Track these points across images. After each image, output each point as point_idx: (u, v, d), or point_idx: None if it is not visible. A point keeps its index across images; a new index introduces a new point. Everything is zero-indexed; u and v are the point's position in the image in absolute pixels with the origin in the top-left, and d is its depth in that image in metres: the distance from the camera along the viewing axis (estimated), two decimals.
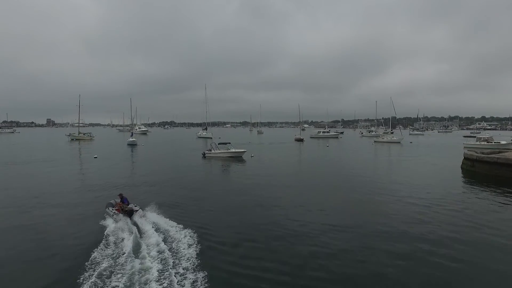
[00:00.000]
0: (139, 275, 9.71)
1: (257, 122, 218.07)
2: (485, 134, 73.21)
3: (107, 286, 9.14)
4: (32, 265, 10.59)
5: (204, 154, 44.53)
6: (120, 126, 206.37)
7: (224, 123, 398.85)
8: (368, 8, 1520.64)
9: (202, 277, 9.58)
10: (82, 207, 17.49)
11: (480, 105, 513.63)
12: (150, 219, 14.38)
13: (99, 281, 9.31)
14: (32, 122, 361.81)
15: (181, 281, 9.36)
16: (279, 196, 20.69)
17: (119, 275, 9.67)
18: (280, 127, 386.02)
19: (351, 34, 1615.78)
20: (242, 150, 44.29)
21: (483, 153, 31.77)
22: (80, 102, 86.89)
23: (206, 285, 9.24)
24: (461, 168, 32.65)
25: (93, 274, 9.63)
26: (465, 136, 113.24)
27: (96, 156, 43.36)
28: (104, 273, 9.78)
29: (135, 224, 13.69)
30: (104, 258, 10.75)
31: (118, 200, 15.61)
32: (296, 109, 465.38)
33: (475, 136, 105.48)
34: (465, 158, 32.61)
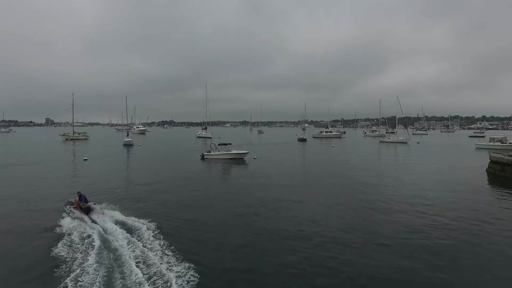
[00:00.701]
0: (94, 270, 9.78)
1: (257, 122, 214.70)
2: (498, 135, 69.74)
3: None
4: None
5: (202, 155, 41.05)
6: (119, 125, 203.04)
7: (224, 123, 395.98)
8: (369, 6, 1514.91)
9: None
10: (42, 208, 17.02)
11: (480, 104, 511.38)
12: (108, 215, 14.50)
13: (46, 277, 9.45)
14: (31, 121, 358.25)
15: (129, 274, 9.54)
16: (288, 207, 17.25)
17: (69, 271, 9.78)
18: (280, 126, 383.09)
19: (351, 32, 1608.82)
20: (244, 152, 40.79)
21: None
22: (73, 100, 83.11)
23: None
24: (487, 172, 29.25)
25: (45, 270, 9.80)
26: (470, 136, 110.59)
27: (86, 158, 39.75)
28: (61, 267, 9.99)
29: (93, 221, 14.05)
30: (58, 253, 11.04)
31: (77, 198, 15.62)
32: (295, 108, 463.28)
33: (479, 136, 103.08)
34: (492, 161, 29.16)
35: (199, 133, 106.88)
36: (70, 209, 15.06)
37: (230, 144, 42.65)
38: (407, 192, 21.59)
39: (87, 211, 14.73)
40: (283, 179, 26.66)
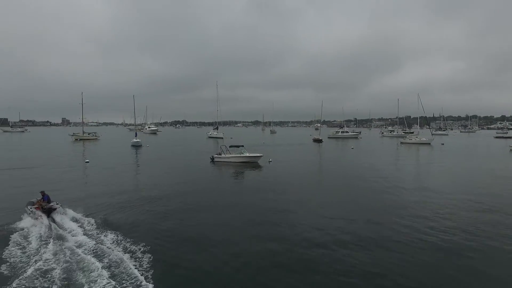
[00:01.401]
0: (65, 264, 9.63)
1: (269, 122, 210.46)
2: None
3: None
4: None
5: (212, 158, 37.21)
6: (131, 125, 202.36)
7: (236, 123, 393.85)
8: (380, 4, 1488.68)
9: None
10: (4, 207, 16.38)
11: (497, 103, 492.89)
12: (69, 215, 14.22)
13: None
14: (48, 121, 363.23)
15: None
16: (312, 224, 13.11)
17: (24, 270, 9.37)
18: (292, 126, 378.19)
19: (363, 31, 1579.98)
20: (258, 155, 36.69)
21: None
22: (83, 100, 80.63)
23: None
24: None
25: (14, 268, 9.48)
26: (497, 137, 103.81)
27: (88, 160, 36.36)
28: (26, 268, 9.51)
29: (53, 221, 13.45)
30: (9, 254, 10.56)
31: (40, 198, 14.99)
32: (307, 107, 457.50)
33: (506, 137, 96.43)
34: None
35: (210, 133, 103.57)
36: (31, 209, 14.33)
37: (243, 146, 38.64)
38: (464, 206, 17.10)
39: (49, 211, 14.17)
40: (303, 187, 22.57)
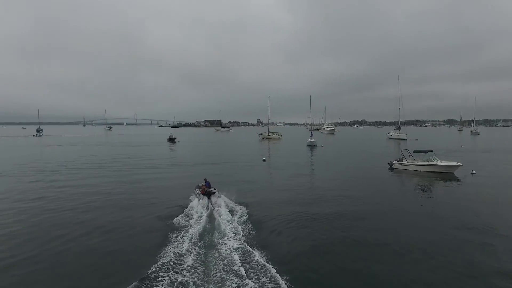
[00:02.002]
0: (210, 235, 12.72)
1: (470, 120, 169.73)
2: None
3: (183, 242, 11.93)
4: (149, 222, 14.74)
5: (391, 164, 31.70)
6: (312, 125, 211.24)
7: (423, 122, 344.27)
8: None
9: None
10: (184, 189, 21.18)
11: None
12: (222, 199, 17.66)
13: (180, 239, 12.29)
14: (247, 122, 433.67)
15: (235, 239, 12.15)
16: None
17: (195, 234, 12.55)
18: (503, 126, 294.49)
19: None
20: (454, 164, 28.31)
21: None
22: (269, 103, 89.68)
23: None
24: None
25: (178, 234, 12.78)
26: None
27: (264, 159, 38.87)
28: (183, 234, 12.81)
29: (211, 202, 17.21)
30: (184, 224, 14.22)
31: (203, 183, 19.18)
32: None
33: None
34: None
35: (391, 133, 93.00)
36: (197, 192, 18.77)
37: (432, 151, 30.92)
38: None
39: (208, 194, 18.00)
40: None
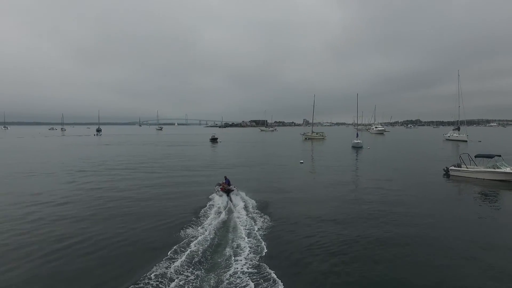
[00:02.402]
0: (227, 229, 13.71)
1: None
2: None
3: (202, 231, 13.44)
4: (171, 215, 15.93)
5: (447, 170, 27.52)
6: (359, 125, 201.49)
7: (487, 121, 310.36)
8: None
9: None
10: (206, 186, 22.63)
11: None
12: (240, 196, 18.80)
13: (200, 229, 13.72)
14: (293, 122, 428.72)
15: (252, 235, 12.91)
16: None
17: (212, 228, 13.68)
18: None
19: None
20: None
21: None
22: (314, 102, 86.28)
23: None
24: None
25: (199, 224, 14.29)
26: None
27: (302, 161, 36.43)
28: (205, 225, 14.12)
29: (230, 199, 18.27)
30: (203, 212, 16.16)
31: (223, 181, 20.34)
32: None
33: None
34: None
35: (448, 134, 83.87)
36: (217, 188, 19.71)
37: (499, 156, 26.18)
38: None
39: (228, 191, 18.90)
40: None
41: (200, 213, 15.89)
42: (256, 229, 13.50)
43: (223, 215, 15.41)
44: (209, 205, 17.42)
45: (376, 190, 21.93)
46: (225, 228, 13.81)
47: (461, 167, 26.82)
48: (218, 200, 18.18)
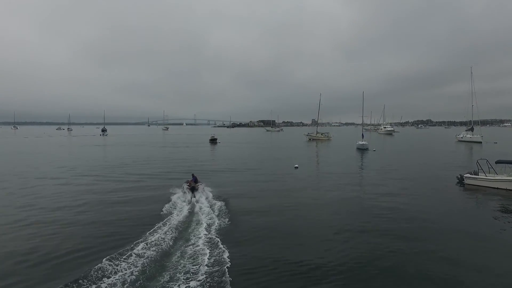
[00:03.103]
0: (183, 224, 14.08)
1: None
2: None
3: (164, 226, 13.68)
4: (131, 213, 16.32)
5: (461, 178, 23.55)
6: (367, 125, 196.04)
7: (500, 122, 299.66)
8: None
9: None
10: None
11: None
12: (204, 194, 18.96)
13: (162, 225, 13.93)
14: (301, 122, 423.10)
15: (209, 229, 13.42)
16: None
17: (168, 225, 13.93)
18: None
19: None
20: None
21: None
22: (320, 101, 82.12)
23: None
24: None
25: (155, 222, 14.20)
26: None
27: (297, 166, 32.61)
28: (167, 221, 14.37)
29: (194, 195, 18.30)
30: (169, 212, 16.00)
31: (191, 178, 20.44)
32: None
33: None
34: None
35: (461, 135, 78.58)
36: (185, 186, 19.78)
37: None
38: None
39: (193, 189, 19.00)
40: None
41: (161, 211, 16.25)
42: (212, 224, 14.11)
43: (183, 211, 15.98)
44: (175, 199, 18.32)
45: (377, 200, 18.23)
46: (181, 224, 14.21)
47: (478, 175, 22.80)
48: (182, 197, 18.73)
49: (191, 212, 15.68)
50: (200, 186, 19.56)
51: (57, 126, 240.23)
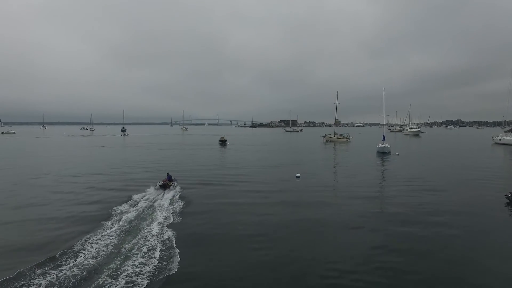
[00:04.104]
0: (142, 219, 14.98)
1: None
2: None
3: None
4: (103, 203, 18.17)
5: (511, 196, 17.57)
6: (392, 125, 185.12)
7: None
8: None
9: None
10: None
11: None
12: (173, 191, 20.29)
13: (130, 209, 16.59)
14: (323, 122, 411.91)
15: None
16: None
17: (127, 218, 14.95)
18: None
19: None
20: None
21: None
22: (337, 100, 75.83)
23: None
24: None
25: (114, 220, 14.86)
26: None
27: (298, 175, 27.20)
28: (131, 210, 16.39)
29: (163, 192, 19.97)
30: (134, 200, 18.26)
31: (165, 176, 22.37)
32: None
33: None
34: None
35: (499, 137, 69.02)
36: (158, 183, 21.42)
37: None
38: None
39: (165, 186, 20.72)
40: None
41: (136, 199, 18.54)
42: (170, 220, 14.68)
43: (156, 204, 17.41)
44: (147, 193, 20.02)
45: (401, 233, 12.81)
46: (140, 218, 15.02)
47: None
48: (154, 191, 20.33)
49: (150, 208, 16.70)
50: (171, 185, 21.28)
51: (81, 126, 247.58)
